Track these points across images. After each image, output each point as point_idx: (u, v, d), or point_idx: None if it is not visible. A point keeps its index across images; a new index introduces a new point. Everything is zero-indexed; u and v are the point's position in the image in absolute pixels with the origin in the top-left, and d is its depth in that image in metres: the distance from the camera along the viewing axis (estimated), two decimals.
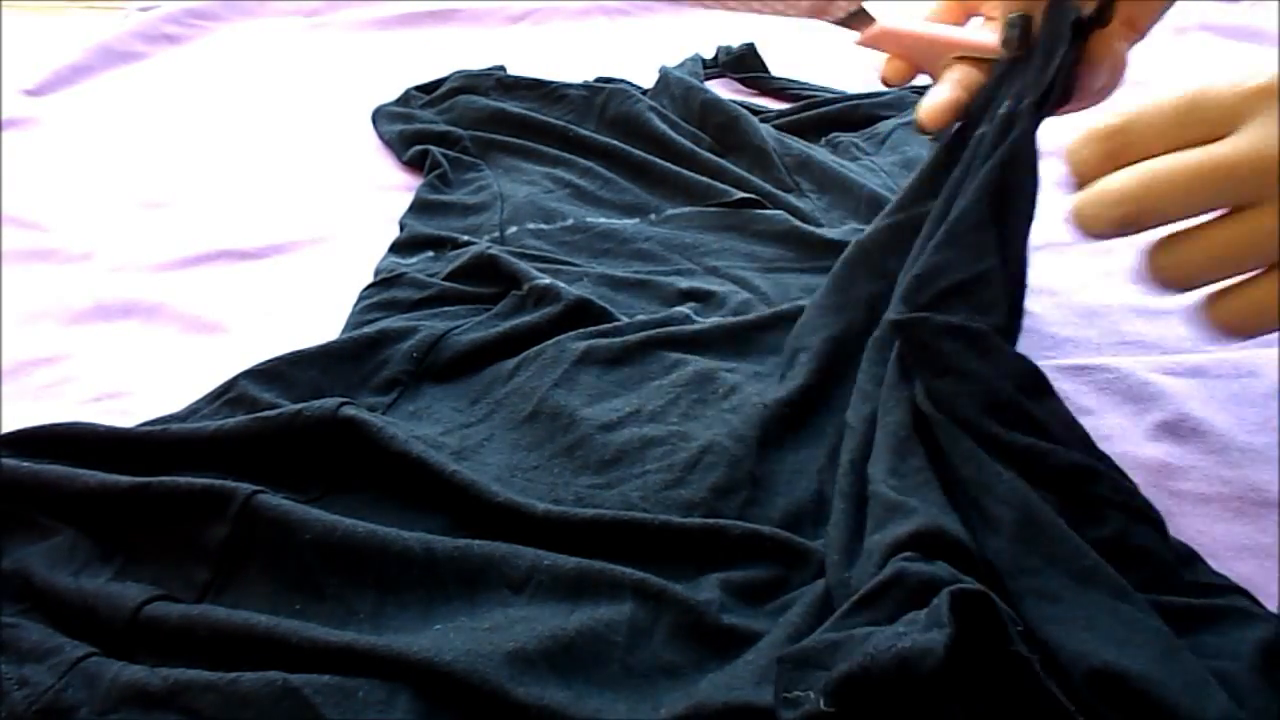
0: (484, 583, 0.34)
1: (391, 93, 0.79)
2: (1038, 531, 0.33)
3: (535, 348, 0.47)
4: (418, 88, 0.80)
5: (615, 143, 0.70)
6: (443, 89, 0.79)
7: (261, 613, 0.33)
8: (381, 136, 0.75)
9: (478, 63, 0.83)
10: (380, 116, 0.76)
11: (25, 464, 0.37)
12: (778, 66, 0.87)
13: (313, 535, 0.35)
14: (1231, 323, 0.36)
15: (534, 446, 0.42)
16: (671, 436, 0.41)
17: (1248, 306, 0.35)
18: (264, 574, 0.35)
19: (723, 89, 0.83)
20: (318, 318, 0.53)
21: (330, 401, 0.40)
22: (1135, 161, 0.35)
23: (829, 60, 0.89)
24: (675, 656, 0.32)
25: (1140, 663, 0.28)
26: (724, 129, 0.71)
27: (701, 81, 0.80)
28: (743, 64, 0.87)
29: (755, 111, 0.77)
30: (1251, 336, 0.36)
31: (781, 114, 0.78)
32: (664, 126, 0.70)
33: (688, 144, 0.69)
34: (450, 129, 0.72)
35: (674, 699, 0.30)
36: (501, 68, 0.83)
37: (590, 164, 0.68)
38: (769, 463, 0.41)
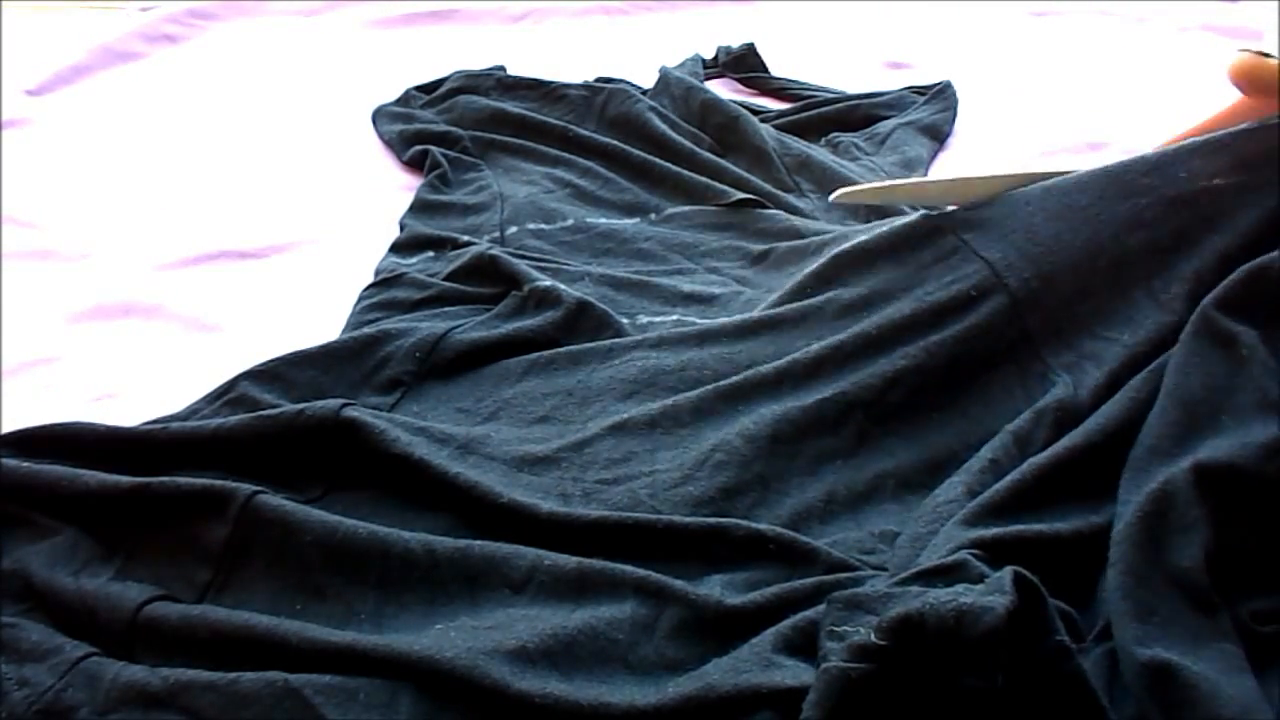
0: (485, 583, 0.34)
1: (391, 93, 0.79)
2: (1154, 525, 0.33)
3: (546, 353, 0.47)
4: (418, 88, 0.80)
5: (615, 143, 0.69)
6: (443, 89, 0.79)
7: (262, 613, 0.33)
8: (381, 136, 0.75)
9: (478, 63, 0.83)
10: (380, 116, 0.76)
11: (25, 464, 0.37)
12: (777, 63, 0.87)
13: (313, 536, 0.35)
14: None
15: (542, 440, 0.42)
16: (684, 439, 0.41)
17: None
18: (265, 574, 0.35)
19: (723, 89, 0.83)
20: (318, 318, 0.53)
21: (332, 403, 0.40)
22: None
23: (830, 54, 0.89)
24: (678, 652, 0.32)
25: (1199, 665, 0.29)
26: (724, 129, 0.71)
27: (701, 81, 0.80)
28: (743, 64, 0.87)
29: (755, 111, 0.77)
30: None
31: (781, 114, 0.78)
32: (664, 126, 0.70)
33: (688, 144, 0.69)
34: (450, 129, 0.72)
35: (681, 682, 0.30)
36: (501, 68, 0.83)
37: (590, 164, 0.68)
38: (780, 459, 0.40)
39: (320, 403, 0.40)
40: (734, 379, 0.44)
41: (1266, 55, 0.40)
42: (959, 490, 0.36)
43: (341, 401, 0.41)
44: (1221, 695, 0.28)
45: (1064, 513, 0.35)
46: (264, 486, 0.37)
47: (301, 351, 0.46)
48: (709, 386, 0.43)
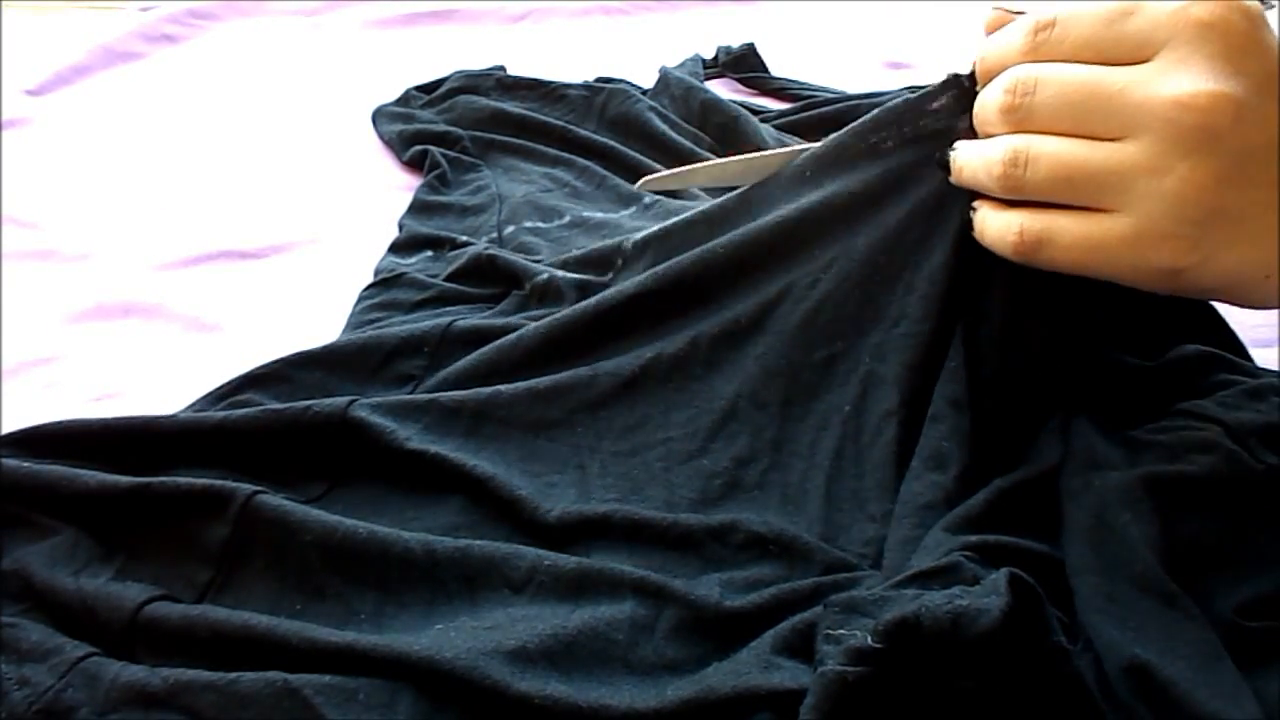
0: (485, 583, 0.34)
1: (391, 93, 0.79)
2: (1106, 536, 0.34)
3: (539, 325, 0.46)
4: (418, 88, 0.79)
5: (613, 143, 0.70)
6: (443, 89, 0.79)
7: (262, 613, 0.33)
8: (381, 136, 0.75)
9: (478, 63, 0.83)
10: (380, 116, 0.76)
11: (25, 464, 0.37)
12: (777, 63, 0.87)
13: (313, 536, 0.35)
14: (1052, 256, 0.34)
15: (554, 397, 0.42)
16: (697, 395, 0.41)
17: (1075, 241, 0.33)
18: (264, 574, 0.35)
19: (723, 89, 0.83)
20: (317, 318, 0.53)
21: (339, 400, 0.40)
22: (1057, 59, 0.34)
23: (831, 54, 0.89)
24: (678, 652, 0.32)
25: (1173, 662, 0.29)
26: (724, 129, 0.71)
27: (701, 81, 0.80)
28: (743, 64, 0.87)
29: (755, 111, 0.77)
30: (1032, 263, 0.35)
31: (781, 114, 0.78)
32: (664, 126, 0.70)
33: (688, 144, 0.69)
34: (450, 129, 0.72)
35: (681, 685, 0.31)
36: (501, 68, 0.83)
37: (589, 163, 0.68)
38: (792, 420, 0.40)
39: (328, 400, 0.40)
40: (738, 313, 0.43)
41: (1016, 12, 0.38)
42: (939, 494, 0.36)
43: (349, 399, 0.41)
44: (1199, 691, 0.28)
45: (1043, 530, 0.36)
46: (267, 483, 0.37)
47: (306, 352, 0.46)
48: (715, 328, 0.42)
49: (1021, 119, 0.34)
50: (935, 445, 0.37)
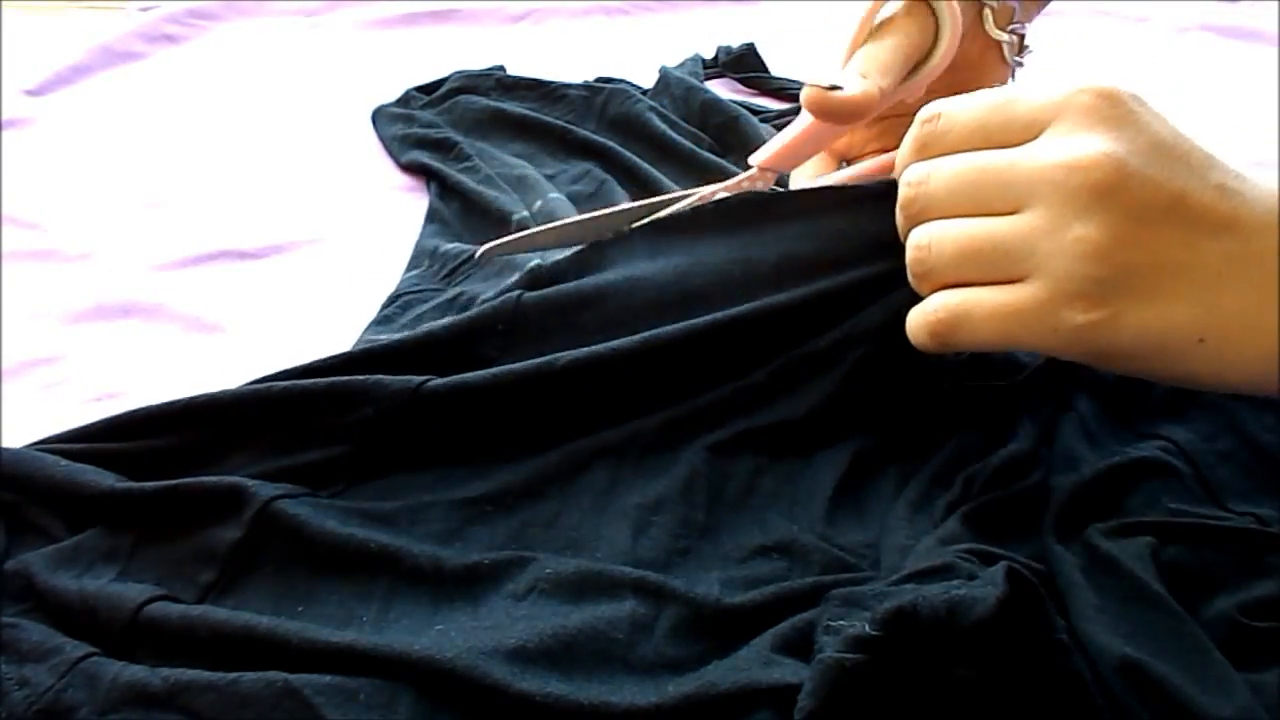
0: (489, 590, 0.35)
1: (391, 93, 0.79)
2: (1093, 551, 0.34)
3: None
4: (418, 88, 0.79)
5: (611, 144, 0.69)
6: (443, 89, 0.79)
7: (263, 614, 0.33)
8: (381, 138, 0.75)
9: (478, 63, 0.83)
10: (380, 117, 0.76)
11: (60, 462, 0.37)
12: (777, 63, 0.87)
13: (325, 549, 0.35)
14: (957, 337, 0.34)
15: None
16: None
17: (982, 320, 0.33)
18: (270, 580, 0.35)
19: (723, 89, 0.83)
20: (318, 318, 0.53)
21: (411, 380, 0.40)
22: (945, 151, 0.35)
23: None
24: (678, 651, 0.32)
25: (1164, 660, 0.29)
26: (724, 129, 0.71)
27: (701, 81, 0.80)
28: (743, 64, 0.87)
29: (755, 111, 0.77)
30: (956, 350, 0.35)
31: (781, 114, 0.78)
32: (664, 126, 0.70)
33: (688, 144, 0.69)
34: (447, 135, 0.72)
35: (681, 682, 0.31)
36: (501, 68, 0.83)
37: (588, 165, 0.68)
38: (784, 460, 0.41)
39: (400, 378, 0.40)
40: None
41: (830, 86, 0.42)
42: (940, 505, 0.37)
43: (423, 378, 0.40)
44: (1191, 686, 0.28)
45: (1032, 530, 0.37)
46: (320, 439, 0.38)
47: (363, 349, 0.44)
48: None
49: (921, 210, 0.35)
50: (930, 471, 0.39)
